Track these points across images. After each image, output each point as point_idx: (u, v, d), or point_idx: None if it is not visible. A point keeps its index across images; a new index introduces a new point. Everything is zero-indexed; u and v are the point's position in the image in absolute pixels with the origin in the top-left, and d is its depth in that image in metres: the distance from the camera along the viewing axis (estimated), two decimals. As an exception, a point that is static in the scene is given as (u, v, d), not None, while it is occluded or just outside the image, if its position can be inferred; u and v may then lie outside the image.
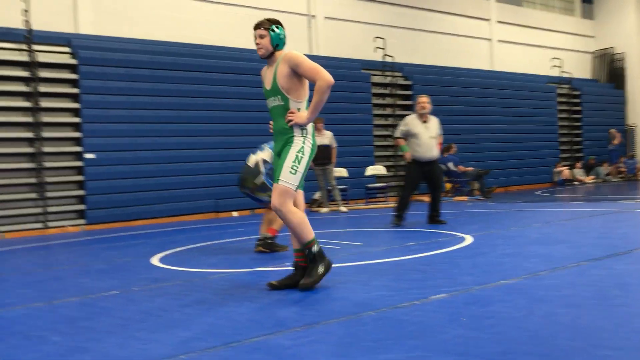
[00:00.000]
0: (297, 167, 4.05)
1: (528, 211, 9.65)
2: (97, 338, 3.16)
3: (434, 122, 8.23)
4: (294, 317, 3.38)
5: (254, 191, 5.95)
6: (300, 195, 4.36)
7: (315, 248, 4.10)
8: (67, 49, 10.87)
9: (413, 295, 3.73)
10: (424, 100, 8.17)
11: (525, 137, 17.84)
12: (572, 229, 6.90)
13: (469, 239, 6.30)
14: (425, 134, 8.07)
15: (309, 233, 4.09)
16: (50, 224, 10.29)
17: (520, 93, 17.83)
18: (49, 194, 10.30)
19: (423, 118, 8.13)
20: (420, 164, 8.15)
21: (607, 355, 2.47)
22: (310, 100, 4.16)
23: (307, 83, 4.22)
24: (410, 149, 8.15)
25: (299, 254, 4.20)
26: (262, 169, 5.89)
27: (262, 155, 6.00)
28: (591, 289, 3.69)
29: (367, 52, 15.21)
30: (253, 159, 6.05)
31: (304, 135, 4.14)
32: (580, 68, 21.41)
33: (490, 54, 18.71)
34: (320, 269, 4.11)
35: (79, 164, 10.62)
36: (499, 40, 18.91)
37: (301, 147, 4.09)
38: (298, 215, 4.07)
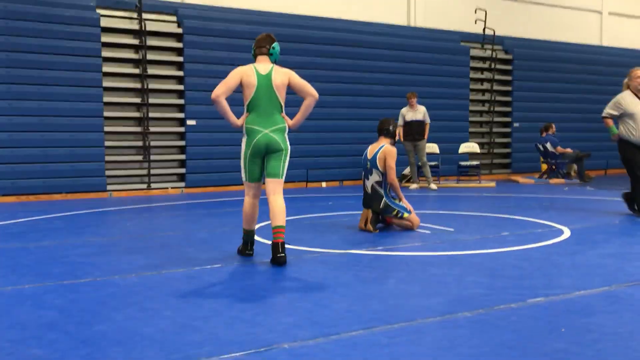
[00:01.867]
0: (241, 164, 4.91)
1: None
2: (206, 316, 3.38)
3: None
4: (390, 311, 3.46)
5: (382, 213, 6.38)
6: (257, 186, 4.98)
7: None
8: (173, 18, 11.29)
9: (510, 297, 3.71)
10: None
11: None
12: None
13: (566, 232, 6.11)
14: None
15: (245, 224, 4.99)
16: (154, 185, 10.91)
17: (631, 71, 16.66)
18: (153, 157, 10.89)
19: None
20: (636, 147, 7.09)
21: None
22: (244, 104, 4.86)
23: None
24: (624, 130, 7.15)
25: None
26: (382, 191, 6.34)
27: (374, 178, 6.39)
28: None
29: (467, 24, 14.71)
30: (369, 185, 6.44)
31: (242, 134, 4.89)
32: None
33: (600, 28, 17.55)
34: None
35: (181, 129, 11.12)
36: (610, 13, 17.67)
37: (289, 147, 4.91)
38: (244, 205, 4.99)
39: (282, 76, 4.79)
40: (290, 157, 4.93)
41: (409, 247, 5.51)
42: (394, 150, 6.39)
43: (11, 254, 5.29)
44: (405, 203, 6.40)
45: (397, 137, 6.61)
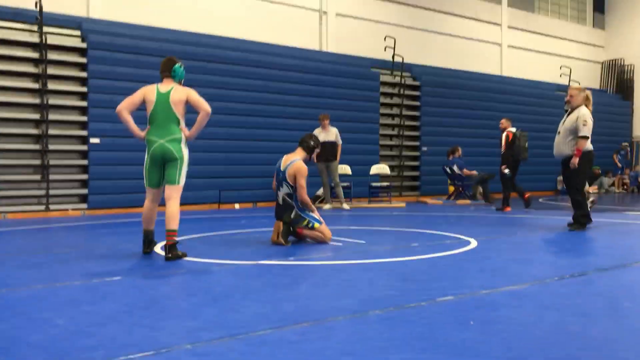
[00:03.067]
0: (184, 171, 5.33)
1: (532, 218, 9.61)
2: (102, 323, 3.13)
3: None
4: (300, 312, 3.35)
5: (292, 225, 6.29)
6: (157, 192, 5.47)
7: (176, 239, 5.23)
8: (77, 32, 10.83)
9: (420, 297, 3.70)
10: None
11: (531, 144, 17.64)
12: (577, 237, 6.87)
13: (473, 243, 6.27)
14: None
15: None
16: (52, 206, 10.26)
17: (528, 99, 17.77)
18: (52, 177, 10.26)
19: None
20: None
21: (620, 367, 2.44)
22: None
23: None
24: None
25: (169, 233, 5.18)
26: (292, 202, 6.30)
27: (284, 190, 6.32)
28: (600, 299, 3.66)
29: (377, 51, 15.15)
30: (280, 196, 6.37)
31: (186, 146, 5.39)
32: (588, 77, 21.35)
33: (500, 59, 18.65)
34: (181, 253, 5.23)
35: (83, 148, 10.58)
36: (509, 46, 18.85)
37: (187, 156, 5.38)
38: (143, 207, 5.49)
39: (180, 93, 5.34)
40: (188, 165, 5.39)
41: (321, 257, 5.44)
42: (304, 168, 6.28)
43: None
44: (317, 215, 6.36)
45: (313, 157, 6.55)
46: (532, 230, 7.64)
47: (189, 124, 5.40)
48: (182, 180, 5.29)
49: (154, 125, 5.31)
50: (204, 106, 5.34)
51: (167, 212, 5.16)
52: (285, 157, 6.48)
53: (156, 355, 2.59)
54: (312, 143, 6.52)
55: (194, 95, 5.38)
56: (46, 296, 3.81)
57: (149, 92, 5.35)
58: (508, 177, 11.02)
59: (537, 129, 17.87)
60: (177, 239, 5.19)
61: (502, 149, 11.10)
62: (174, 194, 5.24)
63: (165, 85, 5.36)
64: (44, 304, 3.60)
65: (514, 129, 11.12)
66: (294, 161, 6.31)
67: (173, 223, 5.14)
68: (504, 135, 11.11)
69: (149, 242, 5.50)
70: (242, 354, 2.60)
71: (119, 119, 5.27)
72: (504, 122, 11.35)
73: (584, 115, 7.39)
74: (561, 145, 7.57)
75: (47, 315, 3.28)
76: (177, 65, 5.43)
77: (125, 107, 5.29)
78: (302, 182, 6.22)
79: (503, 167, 11.04)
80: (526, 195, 11.64)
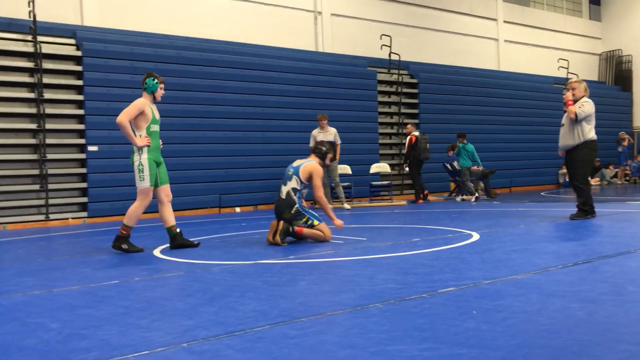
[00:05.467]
0: (143, 175, 5.89)
1: (534, 210, 9.54)
2: (97, 325, 3.07)
3: None
4: (299, 308, 3.28)
5: (291, 220, 6.24)
6: (166, 188, 6.18)
7: (125, 233, 6.01)
8: (71, 41, 10.80)
9: (421, 289, 3.64)
10: None
11: (531, 138, 17.72)
12: (580, 227, 6.80)
13: (476, 236, 6.20)
14: None
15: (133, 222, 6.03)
16: (52, 216, 10.21)
17: (526, 93, 17.71)
18: (51, 186, 10.23)
19: None
20: None
21: (627, 350, 2.37)
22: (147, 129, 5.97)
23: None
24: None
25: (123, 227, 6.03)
26: (295, 198, 6.25)
27: (291, 184, 6.31)
28: (605, 285, 3.58)
29: (374, 50, 15.11)
30: (284, 190, 6.33)
31: (140, 153, 5.93)
32: (587, 70, 21.29)
33: (497, 54, 18.60)
34: (124, 246, 6.01)
35: (81, 156, 10.55)
36: (506, 40, 18.80)
37: (139, 162, 5.89)
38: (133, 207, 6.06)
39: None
40: (140, 169, 5.91)
41: (320, 255, 5.37)
42: (320, 169, 6.44)
43: None
44: (337, 222, 6.39)
45: (329, 158, 6.57)
46: (534, 222, 7.56)
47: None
48: (141, 184, 5.91)
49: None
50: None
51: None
52: (298, 160, 6.62)
53: (151, 354, 2.53)
54: (324, 149, 6.64)
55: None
56: (41, 302, 3.76)
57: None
58: (407, 173, 12.63)
59: (536, 123, 17.84)
60: (125, 233, 5.98)
61: (406, 149, 12.51)
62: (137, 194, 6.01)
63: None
64: (39, 309, 3.54)
65: (417, 133, 12.48)
66: (310, 162, 6.43)
67: (127, 219, 5.96)
68: (407, 138, 12.47)
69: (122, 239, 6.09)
70: (238, 351, 2.54)
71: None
72: (409, 127, 12.68)
73: (582, 100, 7.48)
74: (566, 136, 7.62)
75: (42, 320, 3.23)
76: (148, 79, 5.98)
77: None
78: (318, 181, 6.34)
79: (404, 165, 12.59)
80: (425, 192, 12.72)
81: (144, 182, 5.91)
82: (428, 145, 12.47)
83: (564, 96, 7.66)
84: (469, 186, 12.84)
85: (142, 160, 5.90)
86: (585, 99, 7.57)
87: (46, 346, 2.72)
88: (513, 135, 17.21)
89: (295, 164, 6.50)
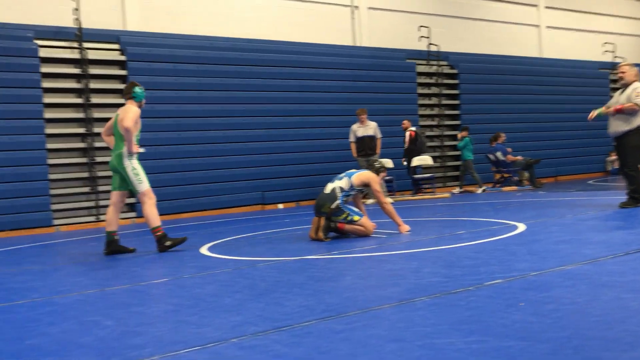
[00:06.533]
0: (140, 177, 6.11)
1: (582, 199, 9.31)
2: (150, 322, 3.17)
3: None
4: (345, 303, 3.31)
5: (330, 215, 6.25)
6: (126, 193, 6.41)
7: (160, 233, 6.12)
8: (116, 46, 11.08)
9: (467, 282, 3.61)
10: None
11: (577, 126, 17.23)
12: (631, 216, 6.61)
13: (521, 227, 6.11)
14: None
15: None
16: (102, 217, 10.51)
17: (570, 80, 17.26)
18: (101, 188, 10.53)
19: None
20: None
21: (682, 341, 2.32)
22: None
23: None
24: None
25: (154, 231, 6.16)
26: (339, 195, 6.29)
27: (340, 183, 6.39)
28: (658, 275, 3.49)
29: (412, 42, 14.97)
30: (330, 187, 6.40)
31: (130, 158, 6.09)
32: (634, 53, 20.55)
33: (539, 41, 18.16)
34: (168, 243, 6.09)
35: (128, 158, 10.81)
36: (548, 27, 18.33)
37: (132, 167, 6.07)
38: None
39: (122, 113, 6.07)
40: (136, 173, 6.08)
41: (364, 250, 5.39)
42: (378, 178, 6.53)
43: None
44: (403, 227, 6.31)
45: (382, 175, 6.69)
46: (582, 211, 7.39)
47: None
48: (141, 186, 6.11)
49: (114, 141, 6.25)
50: (121, 122, 5.98)
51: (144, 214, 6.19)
52: (353, 170, 6.75)
53: (202, 350, 2.60)
54: (377, 165, 6.78)
55: (122, 113, 6.05)
56: (95, 300, 3.90)
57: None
58: (406, 168, 12.67)
59: (581, 110, 17.24)
60: (159, 233, 6.11)
61: (406, 145, 12.50)
62: (140, 199, 6.22)
63: (122, 107, 6.17)
64: (94, 307, 3.68)
65: (414, 128, 12.61)
66: (366, 171, 6.59)
67: (151, 222, 6.11)
68: (407, 133, 12.49)
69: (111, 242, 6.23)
70: (286, 346, 2.59)
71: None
72: (405, 123, 12.71)
73: (637, 88, 7.21)
74: (616, 122, 7.36)
75: (97, 318, 3.35)
76: (136, 88, 6.20)
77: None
78: (378, 187, 6.47)
79: (403, 159, 12.59)
80: (422, 188, 12.93)
81: (142, 184, 6.13)
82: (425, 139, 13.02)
83: (611, 108, 7.35)
84: (476, 177, 13.19)
85: (134, 164, 6.11)
86: (636, 84, 7.32)
87: (102, 343, 2.83)
88: (558, 123, 16.80)
89: (350, 171, 6.61)
